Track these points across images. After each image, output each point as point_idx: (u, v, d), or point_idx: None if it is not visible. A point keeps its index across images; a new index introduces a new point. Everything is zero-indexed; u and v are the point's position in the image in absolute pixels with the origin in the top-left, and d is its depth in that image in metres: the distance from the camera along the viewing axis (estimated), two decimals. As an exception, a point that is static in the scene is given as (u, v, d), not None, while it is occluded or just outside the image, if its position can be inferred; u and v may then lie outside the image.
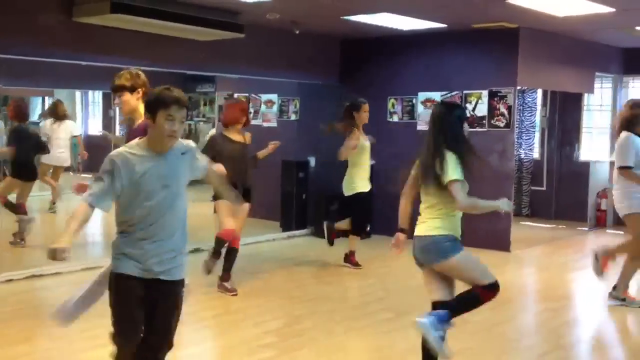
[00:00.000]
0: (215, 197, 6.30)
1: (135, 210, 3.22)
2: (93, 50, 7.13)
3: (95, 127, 16.97)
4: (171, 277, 3.31)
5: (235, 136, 6.46)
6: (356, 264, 7.51)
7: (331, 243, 7.54)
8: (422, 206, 4.05)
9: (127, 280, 3.24)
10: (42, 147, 9.06)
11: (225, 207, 6.20)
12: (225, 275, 6.34)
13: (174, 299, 3.37)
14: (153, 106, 3.20)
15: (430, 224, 3.96)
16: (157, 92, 3.23)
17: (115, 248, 3.30)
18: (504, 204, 3.97)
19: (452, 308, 3.92)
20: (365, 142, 7.29)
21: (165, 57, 7.71)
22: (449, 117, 4.03)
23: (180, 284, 3.37)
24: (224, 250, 6.36)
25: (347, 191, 7.34)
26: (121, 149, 3.28)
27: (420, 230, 4.01)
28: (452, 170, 3.85)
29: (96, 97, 17.32)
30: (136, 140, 3.31)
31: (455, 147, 3.93)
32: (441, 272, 3.98)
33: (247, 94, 10.67)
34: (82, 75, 11.66)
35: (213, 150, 6.19)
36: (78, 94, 17.22)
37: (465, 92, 8.86)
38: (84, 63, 7.58)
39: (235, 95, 10.77)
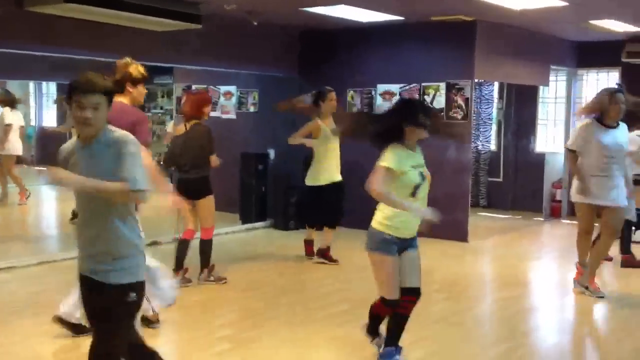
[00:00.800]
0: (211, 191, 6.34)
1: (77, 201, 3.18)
2: (46, 41, 6.98)
3: (50, 119, 16.68)
4: (104, 279, 3.07)
5: (181, 128, 6.42)
6: (332, 259, 7.39)
7: (311, 256, 7.47)
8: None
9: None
10: None
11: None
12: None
13: (105, 303, 3.09)
14: (68, 93, 3.06)
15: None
16: (73, 79, 3.07)
17: None
18: (426, 212, 4.00)
19: (390, 341, 4.23)
20: (329, 131, 7.11)
21: (120, 48, 7.55)
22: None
23: (116, 289, 3.06)
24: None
25: (310, 182, 7.26)
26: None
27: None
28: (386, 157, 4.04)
29: (50, 88, 16.99)
30: None
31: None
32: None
33: (205, 86, 10.58)
34: (35, 65, 11.44)
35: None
36: (32, 84, 16.88)
37: (423, 84, 8.92)
38: (36, 53, 7.42)
39: (194, 87, 10.67)
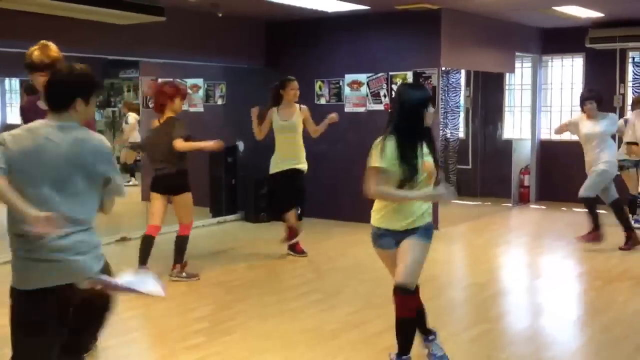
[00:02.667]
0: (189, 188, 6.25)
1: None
2: (5, 36, 6.84)
3: (14, 116, 16.39)
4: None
5: (155, 122, 6.35)
6: (301, 252, 7.33)
7: (301, 253, 7.36)
8: None
9: None
10: None
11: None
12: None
13: None
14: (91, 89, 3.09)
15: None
16: None
17: None
18: (441, 192, 3.89)
19: (402, 350, 3.97)
20: (280, 121, 7.06)
21: (83, 41, 7.46)
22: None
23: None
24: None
25: (269, 171, 7.20)
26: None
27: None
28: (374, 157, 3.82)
29: (13, 84, 16.71)
30: None
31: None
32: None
33: (171, 79, 10.47)
34: (-3, 62, 11.21)
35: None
36: (-5, 82, 16.57)
37: (390, 73, 8.93)
38: (-1, 49, 7.28)
39: (159, 80, 10.56)
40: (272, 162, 7.16)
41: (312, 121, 7.20)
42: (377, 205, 4.01)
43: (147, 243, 6.16)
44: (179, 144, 6.01)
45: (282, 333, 4.93)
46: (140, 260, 6.09)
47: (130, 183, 11.47)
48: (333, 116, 7.17)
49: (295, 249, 7.35)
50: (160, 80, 10.46)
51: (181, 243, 6.32)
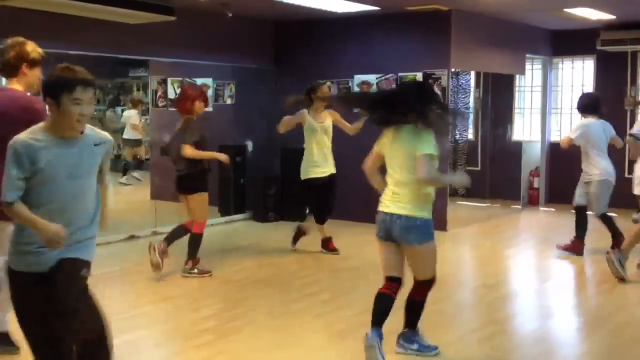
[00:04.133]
0: (201, 188, 6.39)
1: (41, 201, 2.99)
2: (16, 34, 6.84)
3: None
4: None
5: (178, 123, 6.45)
6: (334, 249, 7.38)
7: (294, 242, 7.46)
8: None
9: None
10: None
11: (205, 198, 6.41)
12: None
13: None
14: (55, 89, 2.95)
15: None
16: (58, 74, 2.98)
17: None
18: (459, 179, 4.29)
19: (409, 325, 4.40)
20: (315, 123, 7.03)
21: (94, 41, 7.49)
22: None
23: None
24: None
25: (302, 175, 7.15)
26: (22, 135, 2.99)
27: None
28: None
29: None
30: (39, 125, 3.04)
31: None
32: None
33: (181, 78, 10.49)
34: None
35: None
36: (3, 81, 16.63)
37: (400, 74, 8.91)
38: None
39: (169, 79, 10.59)
40: (306, 167, 7.12)
41: (344, 121, 7.17)
42: (426, 197, 4.16)
43: (185, 235, 6.45)
44: (188, 150, 6.17)
45: (290, 332, 4.93)
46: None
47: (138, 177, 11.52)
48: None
49: (328, 247, 7.40)
50: (169, 79, 10.52)
51: (193, 240, 6.41)
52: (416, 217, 4.10)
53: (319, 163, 7.09)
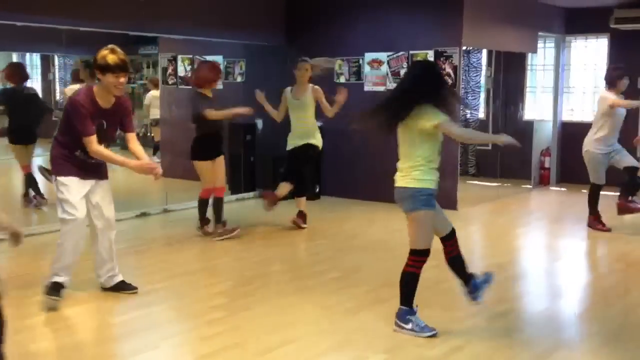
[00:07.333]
0: (196, 157, 6.89)
1: None
2: (28, 11, 6.85)
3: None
4: None
5: (209, 93, 6.97)
6: (298, 225, 7.51)
7: (269, 206, 7.50)
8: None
9: None
10: (45, 110, 8.81)
11: (203, 167, 6.90)
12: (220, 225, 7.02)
13: None
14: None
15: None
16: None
17: None
18: (506, 139, 4.31)
19: (402, 302, 4.42)
20: (292, 99, 7.31)
21: (103, 17, 7.46)
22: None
23: None
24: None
25: (287, 148, 7.46)
26: None
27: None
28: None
29: (34, 60, 16.77)
30: None
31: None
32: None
33: (191, 56, 10.47)
34: (18, 36, 11.22)
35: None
36: (15, 56, 16.64)
37: (411, 52, 8.85)
38: (19, 24, 7.29)
39: (179, 56, 10.57)
40: (288, 139, 7.43)
41: (325, 102, 7.29)
42: (424, 168, 4.28)
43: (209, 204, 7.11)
44: (210, 112, 6.78)
45: (301, 309, 4.95)
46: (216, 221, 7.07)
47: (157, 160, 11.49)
48: (340, 98, 7.11)
49: (294, 220, 7.56)
50: (179, 56, 10.49)
51: (199, 205, 7.10)
52: (407, 187, 4.31)
53: (298, 135, 7.34)
